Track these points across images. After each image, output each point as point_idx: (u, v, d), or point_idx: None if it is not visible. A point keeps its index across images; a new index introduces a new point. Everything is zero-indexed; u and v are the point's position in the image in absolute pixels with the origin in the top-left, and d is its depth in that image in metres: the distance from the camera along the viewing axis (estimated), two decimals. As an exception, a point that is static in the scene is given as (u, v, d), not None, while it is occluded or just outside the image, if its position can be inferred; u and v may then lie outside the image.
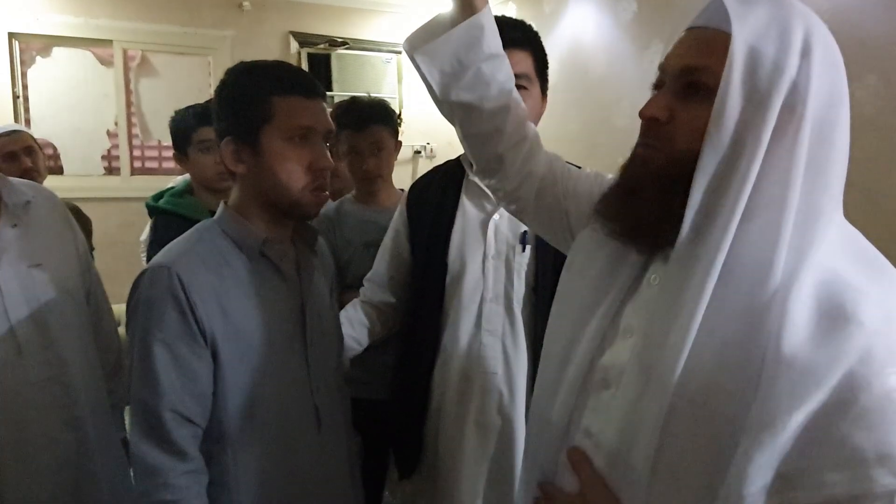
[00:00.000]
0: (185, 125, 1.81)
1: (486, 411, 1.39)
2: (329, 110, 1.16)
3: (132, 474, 1.02)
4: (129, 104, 4.03)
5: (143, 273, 1.03)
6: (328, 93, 4.30)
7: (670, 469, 0.63)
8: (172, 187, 1.93)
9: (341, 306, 1.49)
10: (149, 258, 1.79)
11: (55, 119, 3.86)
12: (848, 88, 0.66)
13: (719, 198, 0.63)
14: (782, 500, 0.56)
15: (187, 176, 1.94)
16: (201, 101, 1.93)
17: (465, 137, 1.03)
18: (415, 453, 1.48)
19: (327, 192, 1.12)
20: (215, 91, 1.10)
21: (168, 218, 1.80)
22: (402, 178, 1.92)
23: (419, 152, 4.70)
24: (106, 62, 3.97)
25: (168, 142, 1.89)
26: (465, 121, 1.00)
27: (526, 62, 1.33)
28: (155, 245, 1.76)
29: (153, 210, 1.85)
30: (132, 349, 1.01)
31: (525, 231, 1.39)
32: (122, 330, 1.27)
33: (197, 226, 1.12)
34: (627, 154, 0.76)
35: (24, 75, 3.77)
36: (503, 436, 1.40)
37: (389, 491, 1.89)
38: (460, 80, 0.96)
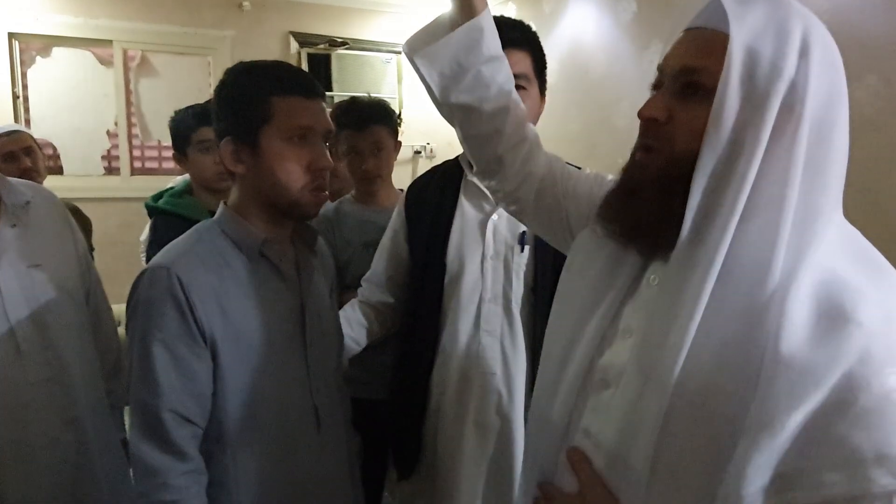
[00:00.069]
0: (185, 125, 1.81)
1: (485, 412, 1.39)
2: (329, 110, 1.16)
3: (132, 474, 1.02)
4: (129, 104, 4.03)
5: (142, 273, 1.03)
6: (328, 93, 4.30)
7: (669, 469, 0.63)
8: (172, 187, 1.93)
9: (340, 306, 1.49)
10: (148, 258, 1.79)
11: (55, 119, 3.87)
12: (847, 88, 0.66)
13: (718, 198, 0.63)
14: (781, 500, 0.56)
15: (187, 176, 1.94)
16: (201, 101, 1.93)
17: (464, 139, 1.04)
18: (413, 454, 1.48)
19: (327, 192, 1.12)
20: (215, 91, 1.10)
21: (167, 218, 1.80)
22: (402, 178, 1.92)
23: (419, 152, 4.70)
24: (106, 62, 3.97)
25: (168, 142, 1.89)
26: (464, 122, 1.01)
27: (525, 62, 1.33)
28: (154, 245, 1.76)
29: (153, 210, 1.85)
30: (132, 349, 1.01)
31: (524, 231, 1.39)
32: (121, 330, 1.27)
33: (196, 226, 1.12)
34: (627, 154, 0.76)
35: (24, 75, 3.77)
36: (502, 436, 1.39)
37: (389, 491, 1.89)
38: (460, 83, 0.96)
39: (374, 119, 1.78)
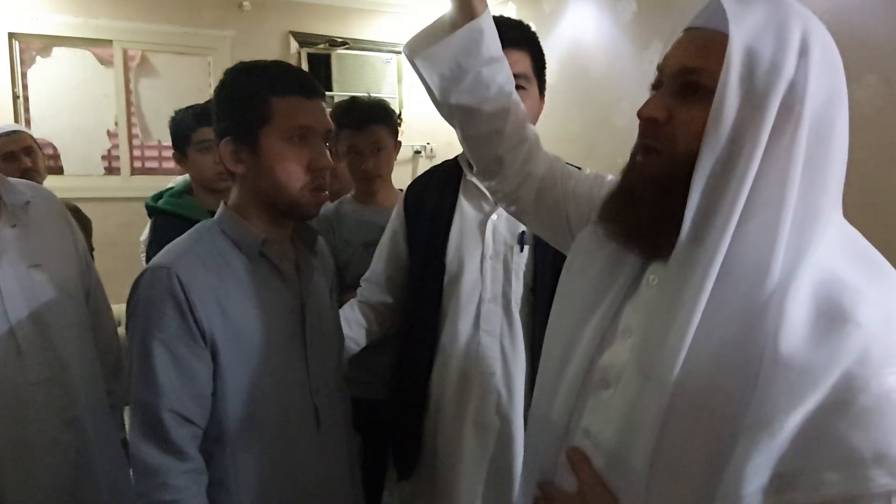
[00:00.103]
0: (185, 125, 1.81)
1: (485, 411, 1.39)
2: (329, 110, 1.16)
3: (132, 474, 1.02)
4: (129, 104, 4.03)
5: (142, 273, 1.03)
6: (328, 93, 4.30)
7: (669, 469, 0.63)
8: (172, 187, 1.93)
9: (340, 306, 1.49)
10: (148, 258, 1.79)
11: (55, 119, 3.87)
12: (847, 88, 0.66)
13: (717, 198, 0.63)
14: (780, 500, 0.56)
15: (187, 176, 1.94)
16: (201, 101, 1.93)
17: (464, 139, 1.04)
18: (413, 454, 1.48)
19: (327, 193, 1.12)
20: (214, 91, 1.10)
21: (167, 218, 1.80)
22: (402, 178, 1.92)
23: (419, 152, 4.70)
24: (106, 62, 3.97)
25: (168, 142, 1.89)
26: (464, 123, 1.01)
27: (524, 62, 1.33)
28: (154, 245, 1.76)
29: (152, 210, 1.85)
30: (132, 349, 1.01)
31: (523, 231, 1.39)
32: (121, 330, 1.28)
33: (196, 226, 1.12)
34: (627, 154, 0.76)
35: (24, 75, 3.77)
36: (502, 436, 1.40)
37: (389, 491, 1.89)
38: (460, 84, 0.96)
39: (374, 119, 1.78)
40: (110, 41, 3.90)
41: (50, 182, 2.23)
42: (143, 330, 0.99)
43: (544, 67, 1.40)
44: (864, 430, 0.54)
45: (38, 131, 3.57)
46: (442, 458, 1.43)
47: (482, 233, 1.41)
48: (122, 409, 1.57)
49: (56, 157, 3.92)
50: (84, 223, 2.41)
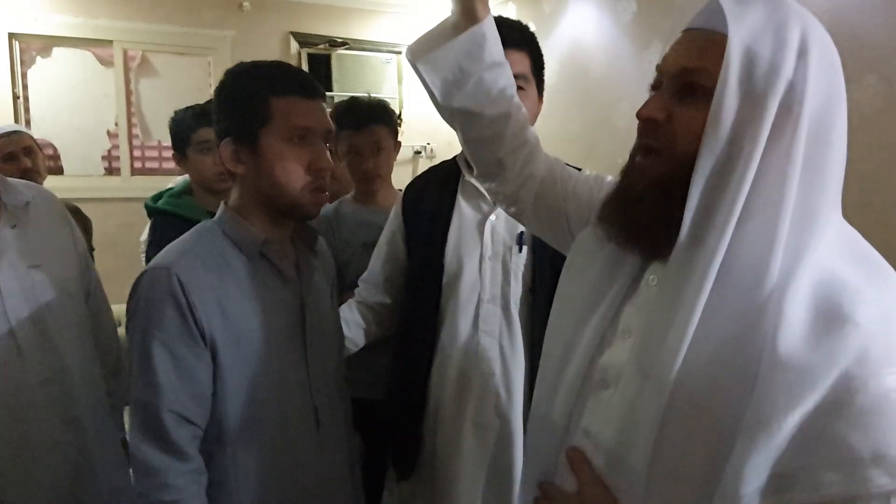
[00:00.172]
0: (185, 126, 1.81)
1: (484, 412, 1.39)
2: (329, 110, 1.16)
3: (131, 474, 1.03)
4: (129, 104, 4.03)
5: (142, 274, 1.03)
6: (328, 93, 4.30)
7: (668, 469, 0.63)
8: (172, 188, 1.93)
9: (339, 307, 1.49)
10: (148, 259, 1.79)
11: (55, 119, 3.87)
12: (847, 88, 0.66)
13: (717, 198, 0.63)
14: (778, 500, 0.56)
15: (187, 177, 1.94)
16: (201, 101, 1.93)
17: (465, 142, 1.04)
18: (412, 454, 1.48)
19: (327, 193, 1.12)
20: (215, 92, 1.10)
21: (167, 218, 1.80)
22: (402, 178, 1.92)
23: (419, 152, 4.70)
24: (106, 62, 3.97)
25: (168, 142, 1.89)
26: (466, 126, 1.01)
27: (523, 63, 1.33)
28: (154, 246, 1.76)
29: (152, 211, 1.85)
30: (132, 350, 1.01)
31: (522, 232, 1.39)
32: (121, 330, 1.28)
33: (197, 226, 1.12)
34: (627, 154, 0.76)
35: (24, 75, 3.77)
36: (501, 436, 1.39)
37: (389, 491, 1.89)
38: (462, 88, 0.96)
39: (374, 119, 1.78)
40: (110, 41, 3.90)
41: (50, 182, 2.23)
42: (143, 330, 0.99)
43: (543, 68, 1.40)
44: (863, 430, 0.54)
45: (39, 131, 3.57)
46: (441, 459, 1.43)
47: (481, 233, 1.41)
48: (122, 409, 1.57)
49: (56, 157, 3.92)
50: (84, 223, 2.41)
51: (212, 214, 1.14)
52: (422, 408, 1.46)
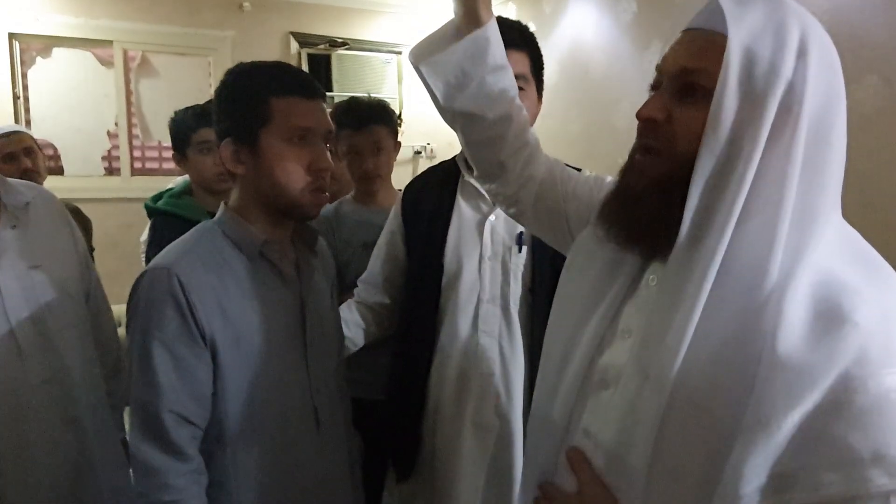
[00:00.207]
0: (185, 126, 1.81)
1: (484, 412, 1.39)
2: (329, 110, 1.16)
3: (131, 474, 1.03)
4: (129, 104, 4.04)
5: (142, 274, 1.03)
6: (328, 93, 4.30)
7: (668, 469, 0.63)
8: (172, 188, 1.93)
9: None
10: (148, 259, 1.79)
11: (55, 119, 3.87)
12: (847, 88, 0.66)
13: (716, 199, 0.63)
14: (778, 500, 0.56)
15: (187, 177, 1.94)
16: (201, 101, 1.93)
17: (467, 144, 1.04)
18: (412, 454, 1.48)
19: (327, 193, 1.12)
20: (215, 92, 1.10)
21: (167, 219, 1.80)
22: (402, 178, 1.92)
23: (419, 152, 4.70)
24: (106, 63, 3.97)
25: (168, 142, 1.89)
26: (467, 128, 1.01)
27: (523, 63, 1.33)
28: (154, 246, 1.76)
29: (152, 211, 1.85)
30: (132, 350, 1.01)
31: (521, 232, 1.39)
32: (121, 330, 1.28)
33: (197, 227, 1.12)
34: (627, 155, 0.76)
35: (24, 76, 3.77)
36: (501, 436, 1.39)
37: (389, 491, 1.89)
38: (464, 91, 0.97)
39: (374, 119, 1.78)
40: (110, 42, 3.90)
41: (50, 183, 2.23)
42: (143, 330, 0.99)
43: (542, 68, 1.41)
44: (863, 430, 0.54)
45: (39, 132, 3.57)
46: (441, 459, 1.43)
47: (480, 233, 1.41)
48: (122, 409, 1.57)
49: (56, 157, 3.92)
50: (84, 224, 2.41)
51: (212, 215, 1.15)
52: (421, 408, 1.46)
